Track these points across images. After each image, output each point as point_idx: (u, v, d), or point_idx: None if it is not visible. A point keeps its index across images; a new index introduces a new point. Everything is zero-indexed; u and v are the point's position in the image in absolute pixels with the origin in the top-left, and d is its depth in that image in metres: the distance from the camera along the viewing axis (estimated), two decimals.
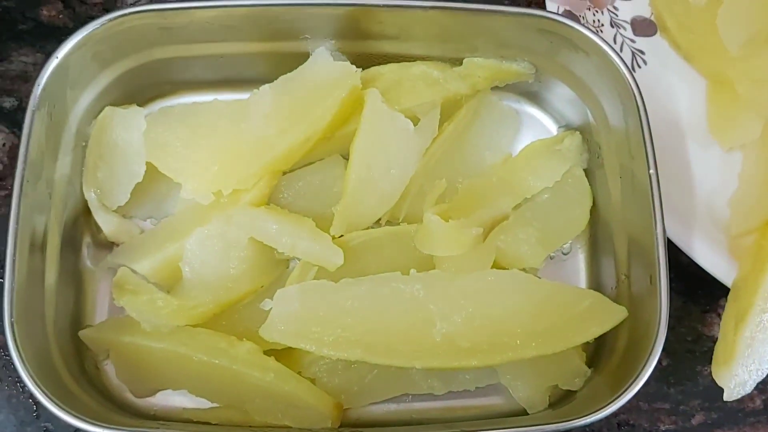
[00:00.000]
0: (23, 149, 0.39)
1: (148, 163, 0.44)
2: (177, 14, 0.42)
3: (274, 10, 0.43)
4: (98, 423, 0.36)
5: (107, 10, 0.52)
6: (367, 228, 0.45)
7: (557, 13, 0.45)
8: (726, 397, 0.41)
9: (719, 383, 0.42)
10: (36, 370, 0.37)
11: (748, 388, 0.42)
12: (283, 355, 0.42)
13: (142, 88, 0.47)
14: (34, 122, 0.39)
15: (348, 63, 0.45)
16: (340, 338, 0.40)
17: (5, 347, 0.45)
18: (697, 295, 0.48)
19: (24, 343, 0.37)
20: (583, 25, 0.42)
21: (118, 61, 0.45)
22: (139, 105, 0.47)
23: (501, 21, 0.44)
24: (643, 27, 0.53)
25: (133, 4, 0.52)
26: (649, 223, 0.40)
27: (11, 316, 0.37)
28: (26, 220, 0.39)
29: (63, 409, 0.36)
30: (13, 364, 0.44)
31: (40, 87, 0.40)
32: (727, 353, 0.42)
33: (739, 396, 0.42)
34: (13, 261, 0.37)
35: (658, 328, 0.38)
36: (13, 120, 0.50)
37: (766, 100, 0.48)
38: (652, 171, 0.40)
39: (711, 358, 0.47)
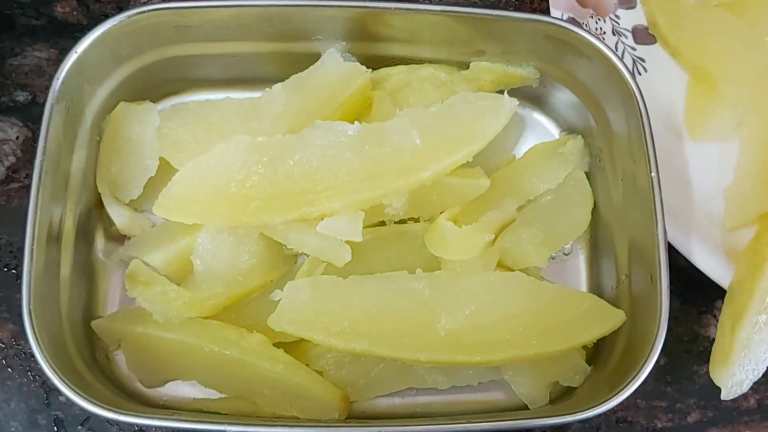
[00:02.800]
0: (42, 141, 0.40)
1: (160, 158, 0.46)
2: (194, 12, 0.43)
3: (288, 11, 0.44)
4: (113, 408, 0.37)
5: (120, 8, 0.53)
6: (374, 225, 0.46)
7: (563, 20, 0.46)
8: (723, 396, 0.43)
9: (717, 383, 0.43)
10: (52, 358, 0.38)
11: (745, 387, 0.43)
12: (291, 348, 0.43)
13: (155, 85, 0.48)
14: (52, 115, 0.40)
15: (358, 64, 0.46)
16: (347, 330, 0.41)
17: (17, 336, 0.46)
18: (694, 297, 0.49)
19: (41, 331, 0.38)
20: (588, 31, 0.44)
21: (133, 57, 0.46)
22: (152, 101, 0.48)
23: (508, 26, 0.45)
24: (644, 36, 0.54)
25: (146, 2, 0.53)
26: (650, 224, 0.41)
27: (29, 303, 0.38)
28: (44, 212, 0.40)
29: (79, 395, 0.37)
30: (24, 353, 0.46)
31: (59, 81, 0.41)
32: (724, 354, 0.43)
33: (736, 395, 0.43)
34: (31, 251, 0.38)
35: (658, 328, 0.39)
36: (27, 114, 0.50)
37: (745, 99, 0.51)
38: (653, 174, 0.41)
39: (707, 358, 0.48)
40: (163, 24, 0.44)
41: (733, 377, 0.45)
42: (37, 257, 0.39)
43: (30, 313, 0.38)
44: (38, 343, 0.38)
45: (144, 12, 0.42)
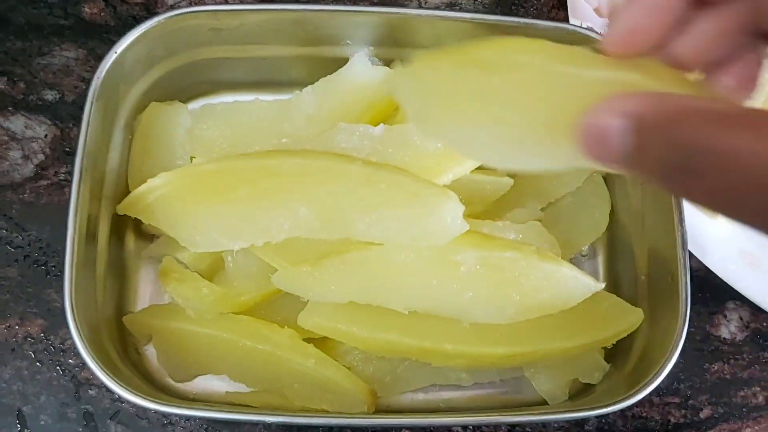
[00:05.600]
0: (82, 139, 0.41)
1: (191, 159, 0.47)
2: (229, 16, 0.44)
3: (321, 16, 0.45)
4: (154, 399, 0.38)
5: (148, 10, 0.54)
6: None
7: (587, 28, 0.47)
8: None
9: None
10: (93, 349, 0.39)
11: None
12: (318, 344, 0.44)
13: (185, 86, 0.49)
14: (92, 114, 0.41)
15: (387, 68, 0.47)
16: (375, 322, 0.42)
17: (47, 332, 0.47)
18: (705, 298, 0.51)
19: (81, 325, 0.39)
20: None
21: (166, 59, 0.46)
22: (181, 102, 0.49)
23: (532, 34, 0.46)
24: None
25: (173, 5, 0.54)
26: (669, 226, 0.42)
27: (71, 298, 0.38)
28: (83, 209, 0.40)
29: (122, 386, 0.38)
30: (53, 347, 0.47)
31: (99, 80, 0.42)
32: None
33: None
34: (72, 247, 0.39)
35: (679, 327, 0.41)
36: (55, 112, 0.51)
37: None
38: None
39: (718, 357, 0.50)
40: (198, 26, 0.45)
41: None
42: (77, 254, 0.39)
43: (72, 307, 0.38)
44: (80, 335, 0.38)
45: (182, 14, 0.43)
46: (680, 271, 0.41)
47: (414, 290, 0.41)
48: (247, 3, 0.49)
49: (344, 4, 0.54)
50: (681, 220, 0.42)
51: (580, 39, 0.46)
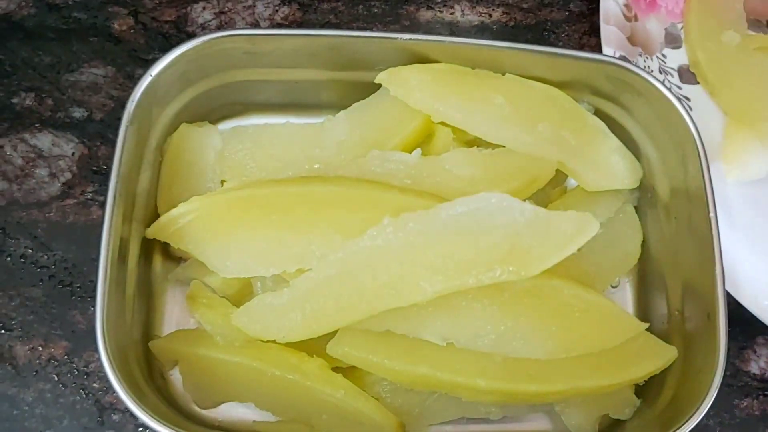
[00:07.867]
0: (116, 163, 0.40)
1: (221, 181, 0.46)
2: (266, 40, 0.44)
3: (355, 41, 0.45)
4: (181, 431, 0.38)
5: (178, 28, 0.54)
6: None
7: (620, 58, 0.47)
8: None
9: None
10: (121, 373, 0.38)
11: None
12: (346, 374, 0.44)
13: (216, 108, 0.49)
14: (127, 137, 0.41)
15: None
16: (407, 354, 0.41)
17: (71, 354, 0.46)
18: (735, 332, 0.50)
19: (110, 348, 0.38)
20: (648, 73, 0.45)
21: (199, 81, 0.46)
22: (211, 123, 0.49)
23: (567, 63, 0.46)
24: (688, 75, 0.56)
25: (203, 24, 0.54)
26: (708, 263, 0.42)
27: (103, 320, 0.38)
28: (116, 233, 0.40)
29: (146, 412, 0.37)
30: (77, 370, 0.46)
31: (134, 103, 0.41)
32: None
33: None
34: (105, 272, 0.38)
35: (716, 368, 0.40)
36: (83, 130, 0.51)
37: None
38: (712, 214, 0.42)
39: (748, 392, 0.49)
40: (233, 50, 0.44)
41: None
42: (110, 276, 0.39)
43: (103, 330, 0.38)
44: (109, 359, 0.38)
45: (218, 37, 0.43)
46: (719, 310, 0.40)
47: (455, 316, 0.41)
48: (281, 27, 0.48)
49: (377, 30, 0.54)
50: (719, 257, 0.42)
51: (613, 71, 0.45)
